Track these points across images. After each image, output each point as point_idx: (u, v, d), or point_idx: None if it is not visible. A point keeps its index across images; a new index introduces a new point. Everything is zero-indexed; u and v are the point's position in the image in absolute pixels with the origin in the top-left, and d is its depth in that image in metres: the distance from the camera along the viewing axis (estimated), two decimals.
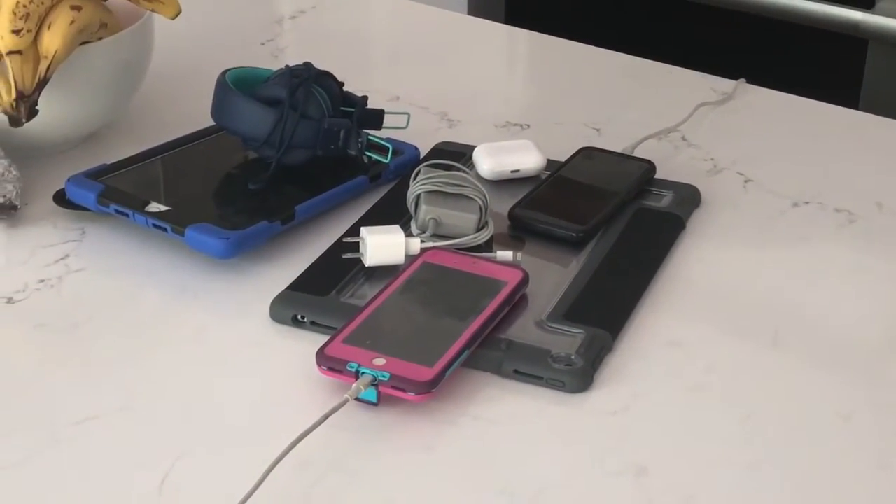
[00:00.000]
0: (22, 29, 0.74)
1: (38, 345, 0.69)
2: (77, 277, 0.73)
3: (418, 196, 0.74)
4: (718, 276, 0.74)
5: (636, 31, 1.49)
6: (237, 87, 0.79)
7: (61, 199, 0.77)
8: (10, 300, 0.71)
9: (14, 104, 0.75)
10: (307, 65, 0.80)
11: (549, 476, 0.60)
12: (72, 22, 0.76)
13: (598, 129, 0.89)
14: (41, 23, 0.75)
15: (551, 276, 0.71)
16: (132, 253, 0.75)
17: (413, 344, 0.64)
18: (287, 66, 0.80)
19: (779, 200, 0.81)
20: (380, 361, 0.63)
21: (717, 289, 0.73)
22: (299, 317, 0.68)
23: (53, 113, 0.78)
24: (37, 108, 0.75)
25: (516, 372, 0.65)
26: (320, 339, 0.65)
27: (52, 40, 0.75)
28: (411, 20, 1.09)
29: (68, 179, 0.76)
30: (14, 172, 0.77)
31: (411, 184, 0.75)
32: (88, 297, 0.72)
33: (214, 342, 0.68)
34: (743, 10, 1.40)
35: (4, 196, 0.76)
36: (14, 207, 0.77)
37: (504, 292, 0.68)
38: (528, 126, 0.90)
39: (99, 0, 0.80)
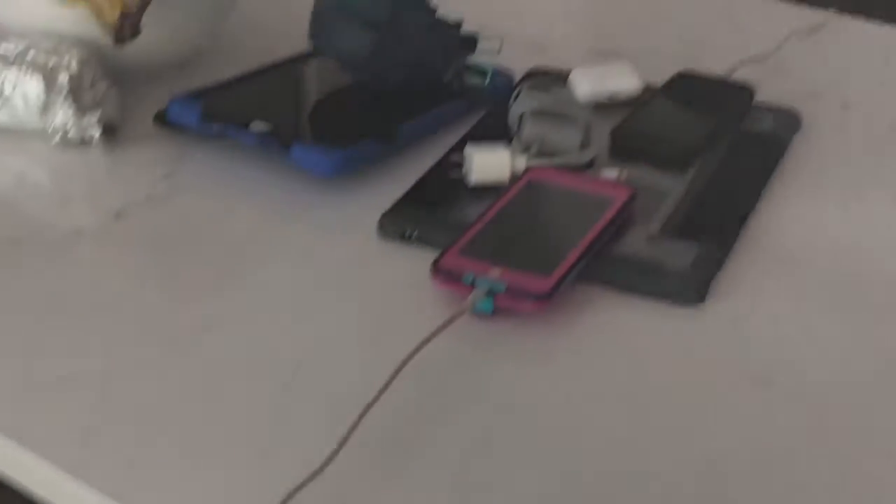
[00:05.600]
0: None
1: (148, 260, 0.69)
2: (181, 195, 0.73)
3: (522, 115, 0.74)
4: (826, 196, 0.74)
5: None
6: (334, 9, 0.79)
7: (161, 120, 0.78)
8: (118, 215, 0.72)
9: (118, 23, 0.75)
10: None
11: (668, 387, 0.60)
12: None
13: (689, 56, 0.88)
14: None
15: (657, 194, 0.71)
16: (234, 173, 0.75)
17: (528, 256, 0.64)
18: None
19: (880, 124, 0.81)
20: (496, 272, 0.63)
21: (827, 206, 0.73)
22: (407, 233, 0.69)
23: (154, 33, 0.78)
24: (140, 27, 0.76)
25: (630, 285, 0.65)
26: (429, 256, 0.66)
27: None
28: None
29: (171, 100, 0.77)
30: (114, 94, 0.78)
31: (513, 104, 0.75)
32: (194, 214, 0.72)
33: (322, 260, 0.69)
34: None
35: (106, 117, 0.77)
36: (115, 129, 0.77)
37: (613, 208, 0.67)
38: (618, 53, 0.89)
39: None
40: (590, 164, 0.74)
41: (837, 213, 0.73)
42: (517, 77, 0.83)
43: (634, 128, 0.77)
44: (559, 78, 0.82)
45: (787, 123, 0.79)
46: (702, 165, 0.74)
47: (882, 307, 0.65)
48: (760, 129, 0.79)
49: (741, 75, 0.85)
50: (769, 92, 0.82)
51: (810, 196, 0.74)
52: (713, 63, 0.86)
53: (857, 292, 0.66)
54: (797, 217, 0.72)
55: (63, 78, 0.76)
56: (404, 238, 0.69)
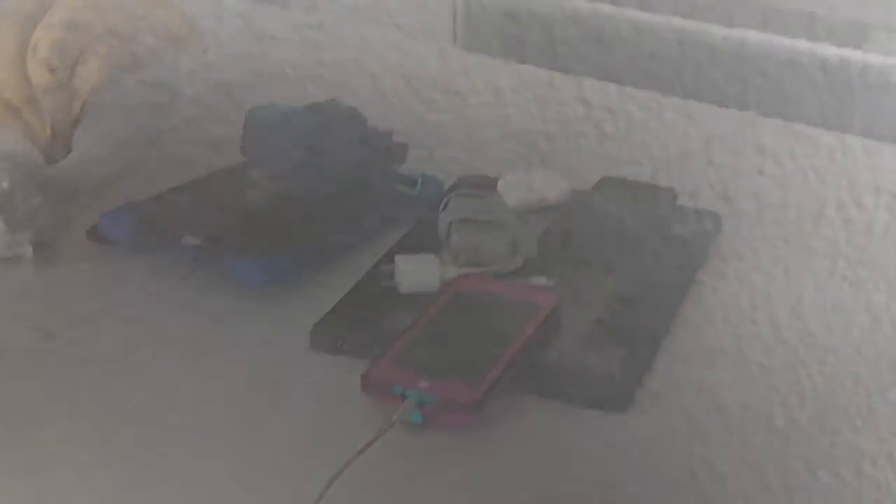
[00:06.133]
0: (57, 68, 0.76)
1: (78, 381, 0.69)
2: (114, 312, 0.74)
3: (450, 224, 0.75)
4: (748, 295, 0.76)
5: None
6: (266, 122, 0.81)
7: (94, 235, 0.78)
8: (48, 334, 0.72)
9: (49, 141, 0.76)
10: (333, 100, 0.82)
11: (599, 496, 0.61)
12: (104, 61, 0.78)
13: (614, 161, 0.91)
14: (75, 62, 0.77)
15: (584, 300, 0.73)
16: (168, 287, 0.75)
17: (457, 365, 0.65)
18: (314, 101, 0.82)
19: (799, 223, 0.83)
20: (425, 384, 0.63)
21: (749, 305, 0.75)
22: (339, 344, 0.69)
23: (86, 150, 0.79)
24: (72, 145, 0.77)
25: (558, 392, 0.66)
26: (360, 365, 0.66)
27: (86, 79, 0.77)
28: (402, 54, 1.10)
29: (102, 215, 0.77)
30: (47, 210, 0.79)
31: (442, 213, 0.76)
32: (126, 332, 0.72)
33: (254, 373, 0.69)
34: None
35: (38, 234, 0.77)
36: (48, 245, 0.78)
37: (540, 315, 0.69)
38: (545, 158, 0.91)
39: (130, 40, 0.82)
40: (519, 271, 0.75)
41: (759, 310, 0.74)
42: (447, 185, 0.85)
43: (562, 233, 0.78)
44: (488, 185, 0.83)
45: (709, 225, 0.81)
46: (628, 268, 0.76)
47: (811, 403, 0.67)
48: (683, 231, 0.81)
49: (665, 178, 0.87)
50: (691, 194, 0.85)
51: (732, 296, 0.76)
52: (637, 167, 0.88)
53: (785, 388, 0.68)
54: (720, 316, 0.74)
55: None
56: (336, 349, 0.70)
